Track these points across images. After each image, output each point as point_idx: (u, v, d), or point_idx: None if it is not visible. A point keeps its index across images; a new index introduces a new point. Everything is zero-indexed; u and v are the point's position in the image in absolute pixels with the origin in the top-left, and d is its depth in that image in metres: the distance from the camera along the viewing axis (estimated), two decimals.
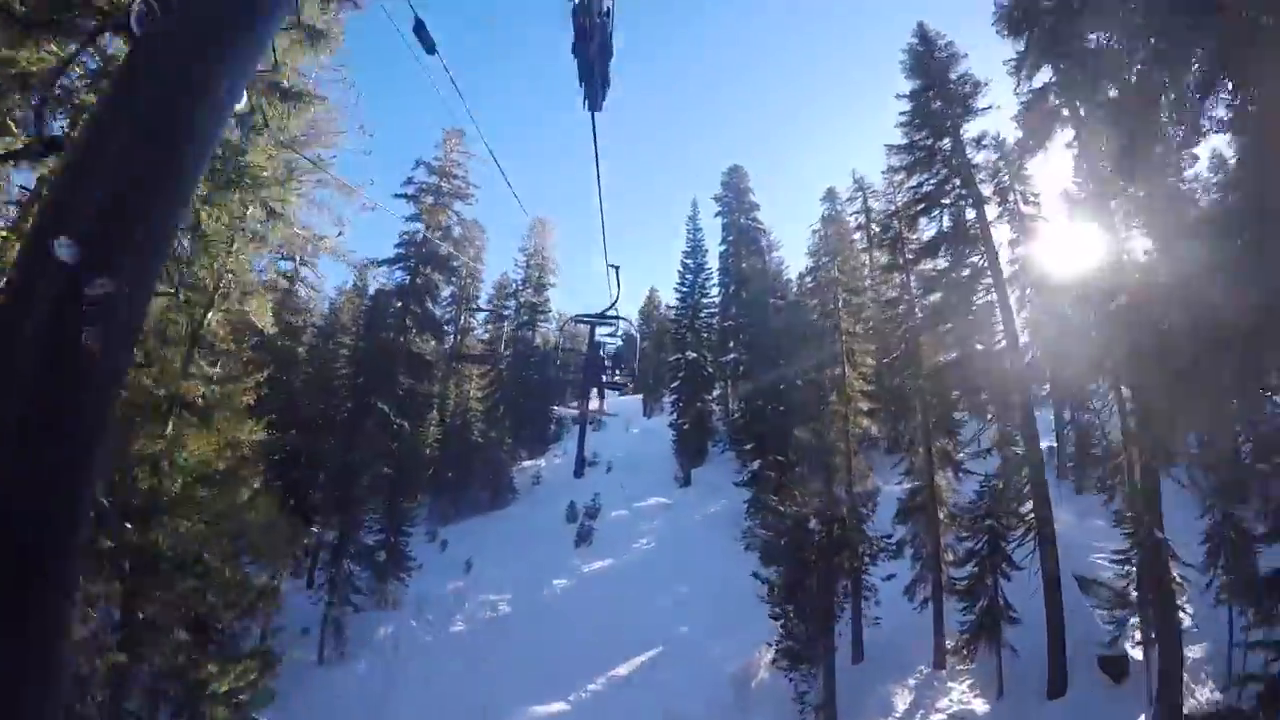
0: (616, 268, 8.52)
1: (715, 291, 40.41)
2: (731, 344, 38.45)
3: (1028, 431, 16.42)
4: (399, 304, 32.16)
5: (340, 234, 12.16)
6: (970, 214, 18.08)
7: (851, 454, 20.41)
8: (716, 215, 40.66)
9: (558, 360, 45.54)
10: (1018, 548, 15.74)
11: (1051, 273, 16.12)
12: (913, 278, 20.21)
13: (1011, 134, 16.88)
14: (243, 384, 11.84)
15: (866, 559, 17.57)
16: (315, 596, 23.37)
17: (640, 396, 54.65)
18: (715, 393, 38.51)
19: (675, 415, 35.75)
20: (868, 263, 31.61)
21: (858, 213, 30.40)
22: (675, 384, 35.66)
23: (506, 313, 44.57)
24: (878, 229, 26.49)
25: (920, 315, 19.53)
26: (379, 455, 27.26)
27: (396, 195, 32.77)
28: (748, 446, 30.04)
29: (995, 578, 15.94)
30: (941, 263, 18.98)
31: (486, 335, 41.06)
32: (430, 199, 33.76)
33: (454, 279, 34.08)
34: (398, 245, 33.21)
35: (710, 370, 36.53)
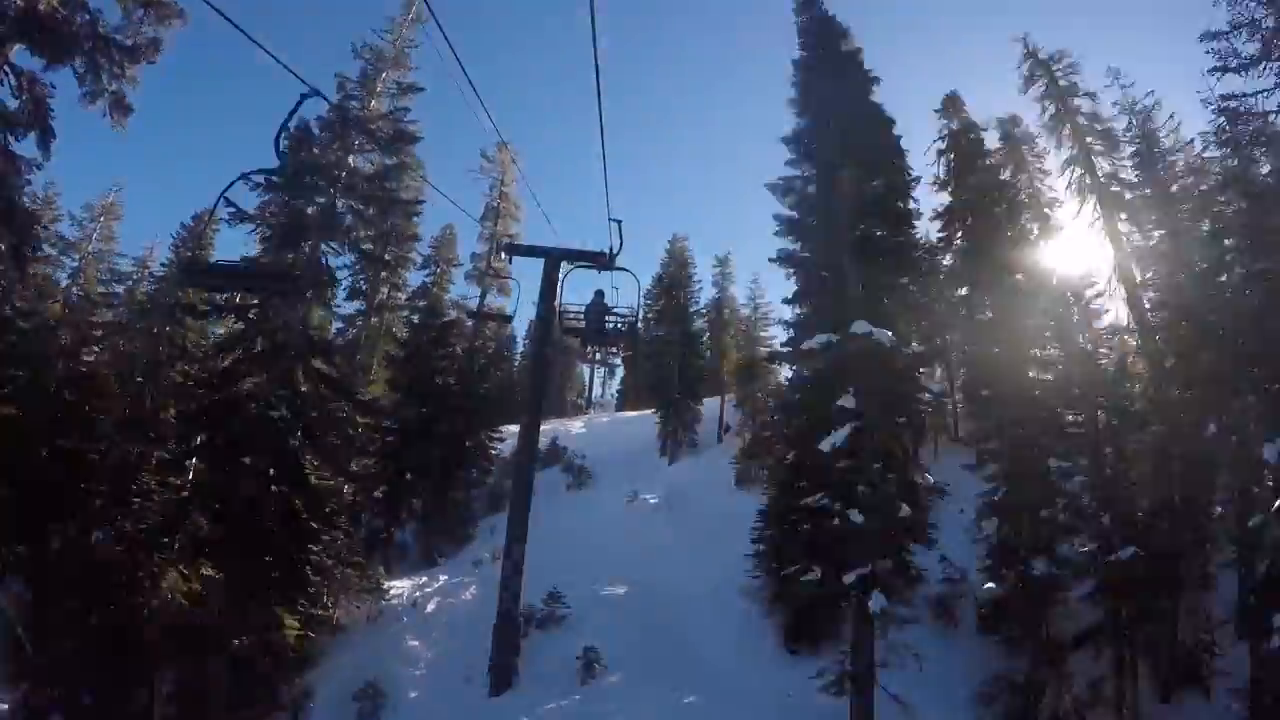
0: (619, 222, 9.75)
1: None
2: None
3: None
4: None
5: None
6: None
7: None
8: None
9: (478, 334, 26.58)
10: None
11: None
12: None
13: None
14: None
15: None
16: None
17: (655, 416, 32.39)
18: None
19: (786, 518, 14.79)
20: (1071, 183, 20.06)
21: (1043, 99, 20.27)
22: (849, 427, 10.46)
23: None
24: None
25: None
26: None
27: None
28: None
29: None
30: None
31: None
32: None
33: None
34: None
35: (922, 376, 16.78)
